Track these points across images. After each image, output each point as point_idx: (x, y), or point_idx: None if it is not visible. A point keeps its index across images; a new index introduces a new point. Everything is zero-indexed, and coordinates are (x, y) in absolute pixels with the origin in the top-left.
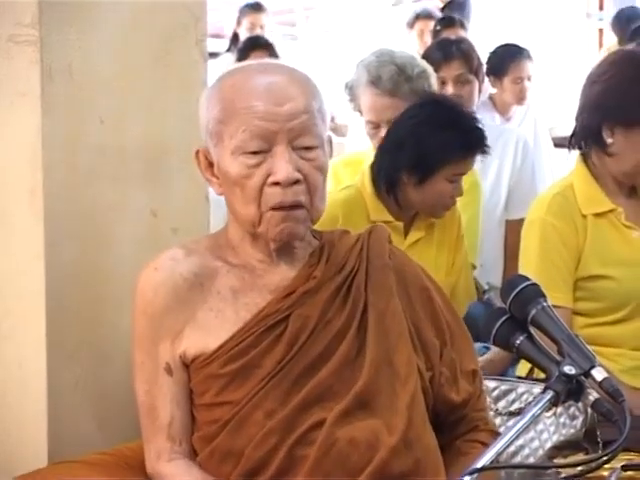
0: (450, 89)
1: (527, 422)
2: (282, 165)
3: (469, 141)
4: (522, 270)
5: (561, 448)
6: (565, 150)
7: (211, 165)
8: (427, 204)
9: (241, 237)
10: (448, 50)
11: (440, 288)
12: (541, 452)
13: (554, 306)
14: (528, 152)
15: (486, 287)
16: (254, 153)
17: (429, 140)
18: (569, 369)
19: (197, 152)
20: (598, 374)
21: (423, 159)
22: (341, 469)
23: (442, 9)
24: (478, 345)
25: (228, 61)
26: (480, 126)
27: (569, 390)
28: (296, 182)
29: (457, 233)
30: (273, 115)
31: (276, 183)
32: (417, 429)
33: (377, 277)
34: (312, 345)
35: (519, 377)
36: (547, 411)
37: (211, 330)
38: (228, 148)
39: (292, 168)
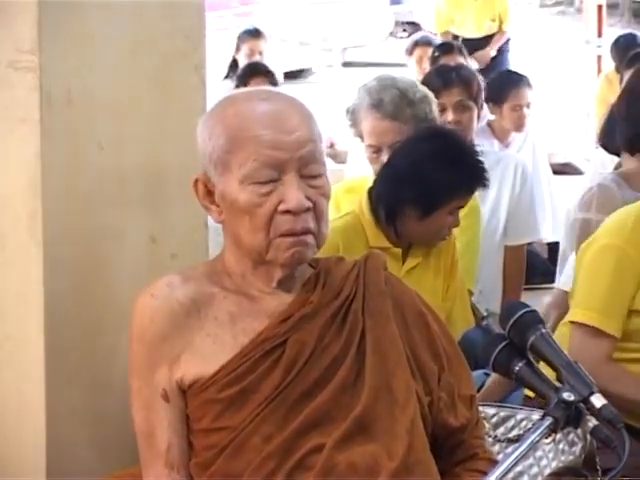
0: (450, 115)
1: (526, 449)
2: (293, 193)
3: (474, 177)
4: (586, 291)
5: (560, 475)
6: (564, 177)
7: (210, 193)
8: (426, 236)
9: (240, 264)
10: (448, 76)
11: (436, 314)
12: (540, 479)
13: (606, 334)
14: (527, 178)
15: (485, 313)
16: (264, 182)
17: (434, 178)
18: (568, 396)
19: (195, 181)
20: (597, 401)
21: (428, 196)
22: None
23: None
24: (479, 372)
25: (227, 87)
26: (481, 158)
27: (568, 417)
28: (306, 210)
29: (452, 259)
30: (282, 144)
31: (287, 211)
32: (417, 454)
33: (374, 303)
34: (309, 370)
35: (527, 396)
36: (546, 438)
37: (208, 356)
38: (236, 177)
39: (302, 196)
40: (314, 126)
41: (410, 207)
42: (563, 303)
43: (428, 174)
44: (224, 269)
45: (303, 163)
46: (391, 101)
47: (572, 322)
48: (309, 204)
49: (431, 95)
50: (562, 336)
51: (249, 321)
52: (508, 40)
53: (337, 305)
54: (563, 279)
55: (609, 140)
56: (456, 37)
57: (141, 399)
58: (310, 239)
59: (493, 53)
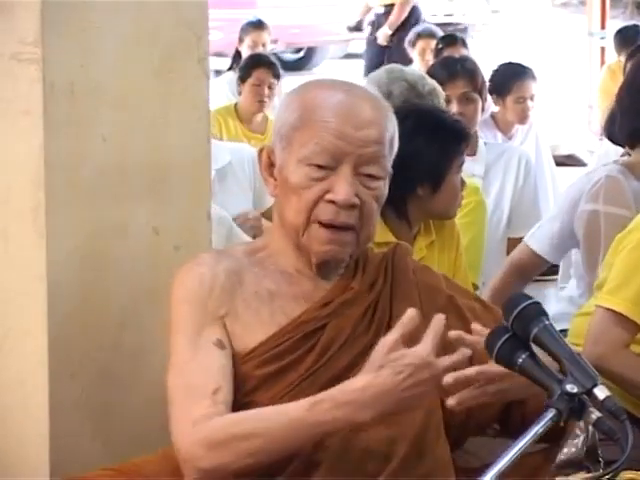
0: (454, 107)
1: (529, 440)
2: (343, 187)
3: (458, 130)
4: (622, 281)
5: (562, 467)
6: (567, 169)
7: (271, 165)
8: (444, 206)
9: (283, 242)
10: (453, 68)
11: (462, 288)
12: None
13: (632, 322)
14: (531, 170)
15: None
16: (320, 167)
17: (429, 150)
18: (571, 387)
19: (261, 150)
20: (600, 392)
21: (432, 166)
22: (354, 476)
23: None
24: None
25: (230, 79)
26: (451, 113)
27: (571, 408)
28: (352, 206)
29: (456, 252)
30: (348, 137)
31: (332, 201)
32: (430, 441)
33: (402, 292)
34: (341, 356)
35: None
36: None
37: (249, 327)
38: (295, 155)
39: (352, 192)
40: (386, 130)
41: (420, 187)
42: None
43: (422, 149)
44: (267, 248)
45: (362, 161)
46: (400, 94)
47: (598, 306)
48: (356, 201)
49: (439, 88)
50: (577, 326)
51: (287, 301)
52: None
53: (373, 296)
54: (530, 236)
55: (614, 131)
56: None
57: (184, 353)
58: (349, 237)
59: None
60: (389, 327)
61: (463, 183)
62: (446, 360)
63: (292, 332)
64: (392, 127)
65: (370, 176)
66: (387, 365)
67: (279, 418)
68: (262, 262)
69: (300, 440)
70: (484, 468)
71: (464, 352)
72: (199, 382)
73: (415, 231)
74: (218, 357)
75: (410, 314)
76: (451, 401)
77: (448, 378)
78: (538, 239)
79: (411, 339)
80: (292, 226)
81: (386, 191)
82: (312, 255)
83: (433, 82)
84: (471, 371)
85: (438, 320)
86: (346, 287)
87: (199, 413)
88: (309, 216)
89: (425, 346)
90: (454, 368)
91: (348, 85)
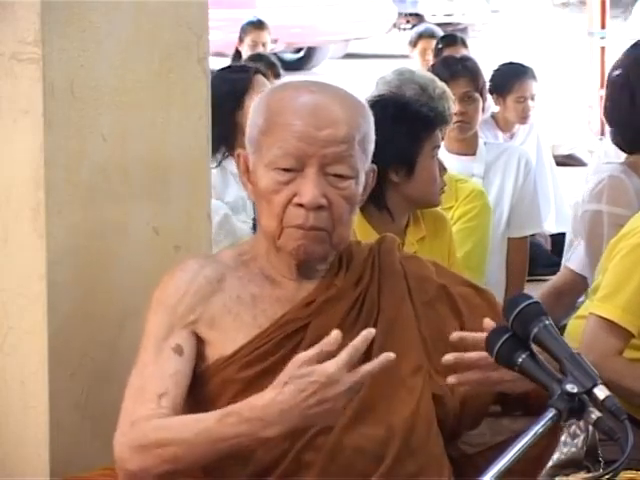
0: (456, 106)
1: (529, 440)
2: (309, 188)
3: (426, 116)
4: (615, 287)
5: (562, 467)
6: (567, 168)
7: (248, 170)
8: (422, 192)
9: (266, 247)
10: (455, 68)
11: (454, 273)
12: (542, 471)
13: (624, 330)
14: (530, 170)
15: None
16: (285, 170)
17: (398, 134)
18: (571, 387)
19: (238, 154)
20: (600, 392)
21: (402, 152)
22: (346, 476)
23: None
24: None
25: None
26: (423, 99)
27: (571, 408)
28: (320, 207)
29: (449, 248)
30: (310, 138)
31: (300, 204)
32: (421, 436)
33: (388, 284)
34: None
35: None
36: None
37: (228, 332)
38: (263, 160)
39: (318, 193)
40: (357, 129)
41: (393, 172)
42: (568, 282)
43: (389, 134)
44: (253, 252)
45: (328, 161)
46: (412, 97)
47: (591, 313)
48: (324, 202)
49: (449, 91)
50: (574, 329)
51: (270, 303)
52: None
53: (358, 292)
54: (573, 260)
55: (617, 134)
56: None
57: (143, 357)
58: (320, 235)
59: None
60: (377, 322)
61: (444, 169)
62: (350, 377)
63: (274, 333)
64: (366, 125)
65: (338, 176)
66: (292, 382)
67: (192, 427)
68: (247, 265)
69: (208, 452)
70: (481, 455)
71: (376, 363)
72: (152, 386)
73: (402, 223)
74: (174, 362)
75: (335, 336)
76: (451, 379)
77: (449, 356)
78: (571, 257)
79: (395, 338)
80: (267, 230)
81: (359, 190)
82: (289, 256)
83: (443, 85)
84: (473, 355)
85: (363, 336)
86: (329, 285)
87: (140, 414)
88: (281, 221)
89: (336, 361)
90: (361, 384)
91: (317, 85)
